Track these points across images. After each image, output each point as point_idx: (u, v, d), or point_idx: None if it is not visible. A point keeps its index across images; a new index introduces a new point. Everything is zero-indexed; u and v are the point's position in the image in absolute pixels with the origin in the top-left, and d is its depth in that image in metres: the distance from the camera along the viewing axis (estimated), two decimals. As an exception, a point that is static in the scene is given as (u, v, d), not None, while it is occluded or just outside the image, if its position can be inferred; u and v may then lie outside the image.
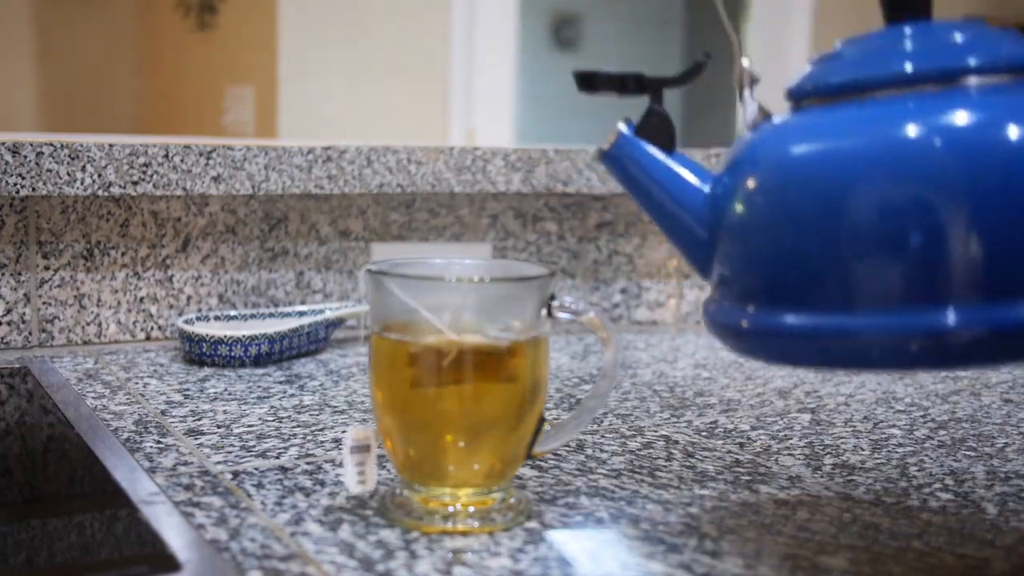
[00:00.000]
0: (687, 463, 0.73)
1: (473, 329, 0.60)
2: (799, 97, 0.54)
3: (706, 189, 0.56)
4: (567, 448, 0.75)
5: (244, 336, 0.98)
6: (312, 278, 1.16)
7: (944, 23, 0.53)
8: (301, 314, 1.09)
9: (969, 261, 0.47)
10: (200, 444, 0.75)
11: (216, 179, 1.07)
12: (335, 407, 0.86)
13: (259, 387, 0.92)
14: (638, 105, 0.60)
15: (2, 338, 1.04)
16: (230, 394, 0.89)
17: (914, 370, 0.48)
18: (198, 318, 1.05)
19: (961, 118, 0.48)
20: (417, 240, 1.19)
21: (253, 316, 1.08)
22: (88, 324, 1.07)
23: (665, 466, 0.72)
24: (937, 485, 0.70)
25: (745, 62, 0.57)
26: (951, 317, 0.47)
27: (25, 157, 0.99)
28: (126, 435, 0.76)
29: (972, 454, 0.77)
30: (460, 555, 0.56)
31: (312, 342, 1.05)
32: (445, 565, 0.55)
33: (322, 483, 0.67)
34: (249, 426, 0.80)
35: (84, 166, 1.02)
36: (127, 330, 1.09)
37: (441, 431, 0.60)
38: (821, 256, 0.50)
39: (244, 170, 1.08)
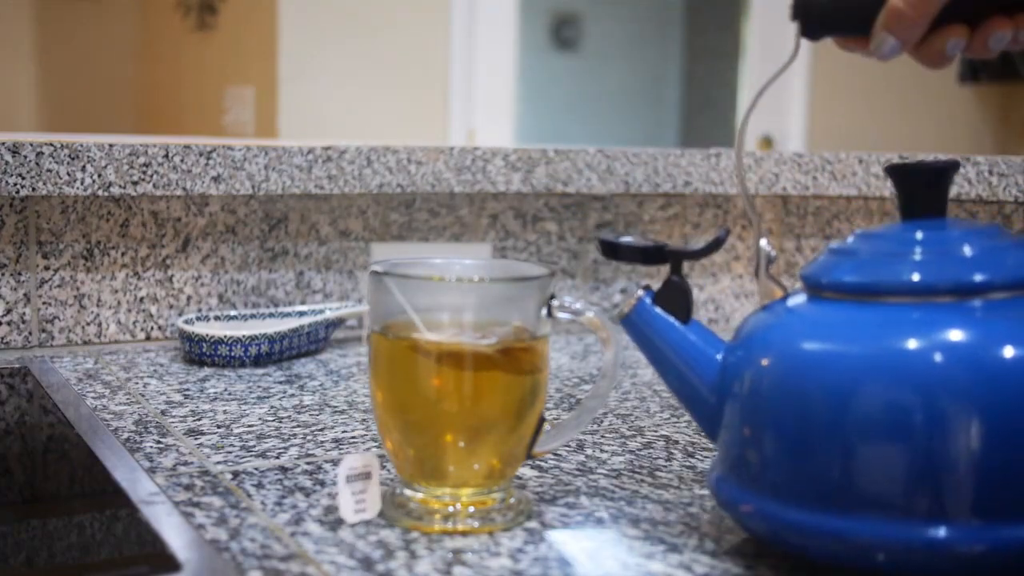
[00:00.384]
0: (687, 463, 0.73)
1: (473, 329, 0.60)
2: (814, 286, 0.56)
3: (718, 357, 0.59)
4: (567, 448, 0.75)
5: (244, 336, 0.98)
6: (312, 278, 1.16)
7: (957, 231, 0.55)
8: (301, 314, 1.09)
9: (968, 478, 0.49)
10: (200, 444, 0.75)
11: (216, 179, 1.07)
12: (335, 407, 0.86)
13: (259, 387, 0.92)
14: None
15: (2, 338, 1.04)
16: (230, 394, 0.89)
17: None
18: (198, 318, 1.05)
19: (964, 335, 0.50)
20: (417, 240, 1.19)
21: (253, 316, 1.08)
22: (88, 324, 1.07)
23: (665, 466, 0.72)
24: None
25: (763, 242, 0.60)
26: (945, 532, 0.49)
27: (25, 157, 0.99)
28: (126, 435, 0.76)
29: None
30: (460, 555, 0.56)
31: (312, 342, 1.05)
32: (445, 565, 0.55)
33: (322, 483, 0.67)
34: (249, 426, 0.80)
35: (84, 166, 1.02)
36: (127, 330, 1.09)
37: (441, 431, 0.60)
38: (824, 455, 0.51)
39: (244, 170, 1.08)
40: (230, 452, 0.73)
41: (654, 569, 0.55)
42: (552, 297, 0.61)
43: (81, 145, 1.02)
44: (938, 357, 0.50)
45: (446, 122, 3.10)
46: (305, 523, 0.60)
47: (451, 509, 0.60)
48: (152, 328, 1.10)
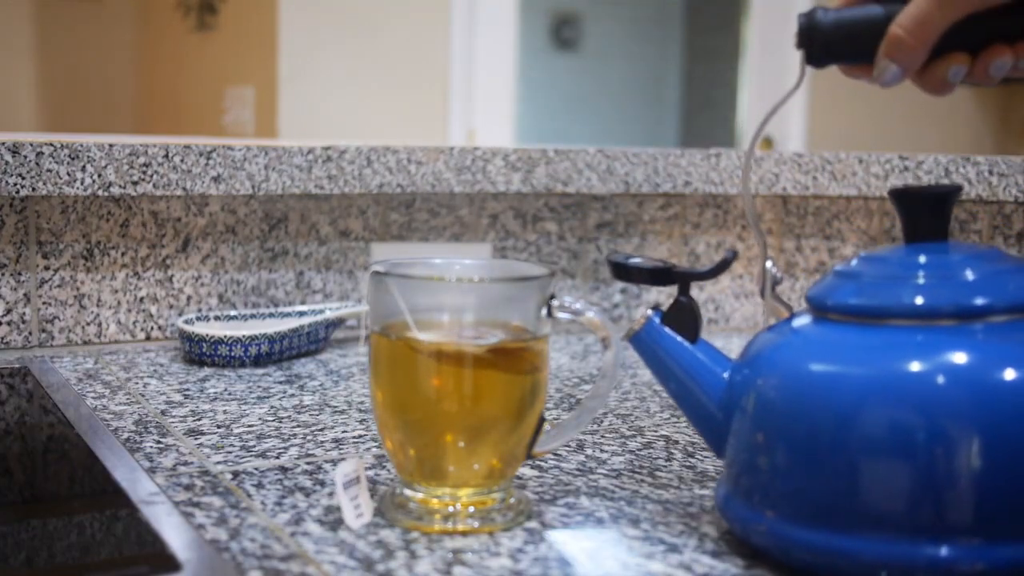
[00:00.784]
0: (687, 463, 0.73)
1: (473, 329, 0.60)
2: (819, 307, 0.57)
3: (725, 375, 0.60)
4: (567, 448, 0.75)
5: (244, 336, 0.98)
6: (312, 278, 1.16)
7: (959, 255, 0.56)
8: (301, 314, 1.09)
9: (969, 497, 0.50)
10: (200, 444, 0.75)
11: (216, 179, 1.07)
12: (335, 407, 0.86)
13: (259, 387, 0.92)
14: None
15: (2, 338, 1.04)
16: (230, 394, 0.89)
17: None
18: (198, 318, 1.05)
19: (966, 357, 0.51)
20: (417, 240, 1.19)
21: (253, 316, 1.08)
22: (88, 324, 1.07)
23: (665, 466, 0.72)
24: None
25: (769, 263, 0.61)
26: (947, 550, 0.50)
27: (25, 157, 0.99)
28: (126, 435, 0.76)
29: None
30: (460, 555, 0.56)
31: (312, 342, 1.05)
32: (445, 565, 0.55)
33: (322, 483, 0.67)
34: (249, 426, 0.80)
35: (84, 166, 1.02)
36: (127, 330, 1.09)
37: (441, 431, 0.60)
38: (827, 474, 0.52)
39: (244, 170, 1.08)
40: (230, 452, 0.73)
41: (654, 569, 0.55)
42: (552, 297, 0.61)
43: (81, 145, 1.02)
44: (940, 379, 0.51)
45: (446, 122, 3.10)
46: (305, 523, 0.60)
47: (451, 509, 0.60)
48: (152, 328, 1.10)
